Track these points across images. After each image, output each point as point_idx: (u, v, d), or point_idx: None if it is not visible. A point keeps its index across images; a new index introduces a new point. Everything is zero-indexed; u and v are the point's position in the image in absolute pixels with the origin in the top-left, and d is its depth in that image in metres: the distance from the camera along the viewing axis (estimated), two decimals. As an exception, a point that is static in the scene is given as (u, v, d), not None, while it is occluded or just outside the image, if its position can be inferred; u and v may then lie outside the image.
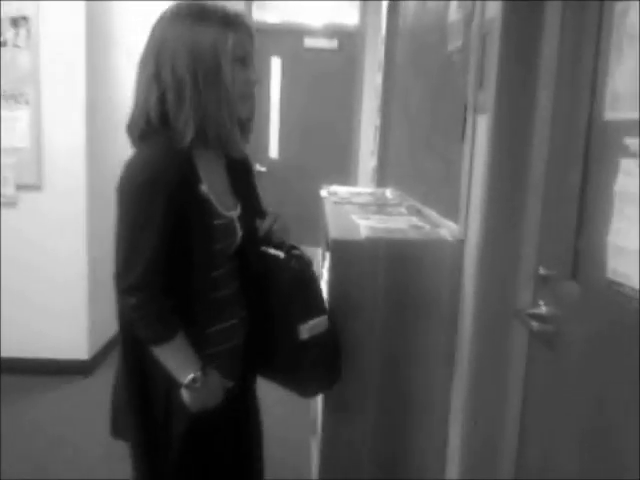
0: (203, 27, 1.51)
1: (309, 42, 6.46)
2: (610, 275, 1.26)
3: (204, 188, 1.54)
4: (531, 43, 1.66)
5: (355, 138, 6.27)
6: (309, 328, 1.67)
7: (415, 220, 2.33)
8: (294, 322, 1.67)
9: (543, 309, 1.59)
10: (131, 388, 1.62)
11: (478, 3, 1.88)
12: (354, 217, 2.30)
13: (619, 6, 1.31)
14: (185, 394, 1.55)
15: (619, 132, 1.27)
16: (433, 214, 2.36)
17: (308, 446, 2.99)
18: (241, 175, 1.73)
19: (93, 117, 4.00)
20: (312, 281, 1.74)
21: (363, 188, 4.00)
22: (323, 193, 3.15)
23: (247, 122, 1.65)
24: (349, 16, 6.63)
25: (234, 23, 1.54)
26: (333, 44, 6.63)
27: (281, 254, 1.71)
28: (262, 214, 1.78)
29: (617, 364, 1.27)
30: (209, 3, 1.58)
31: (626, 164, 1.24)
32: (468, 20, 1.99)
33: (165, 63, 1.51)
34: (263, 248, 1.74)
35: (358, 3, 6.74)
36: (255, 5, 6.74)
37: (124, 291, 1.51)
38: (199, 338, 1.58)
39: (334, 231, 2.03)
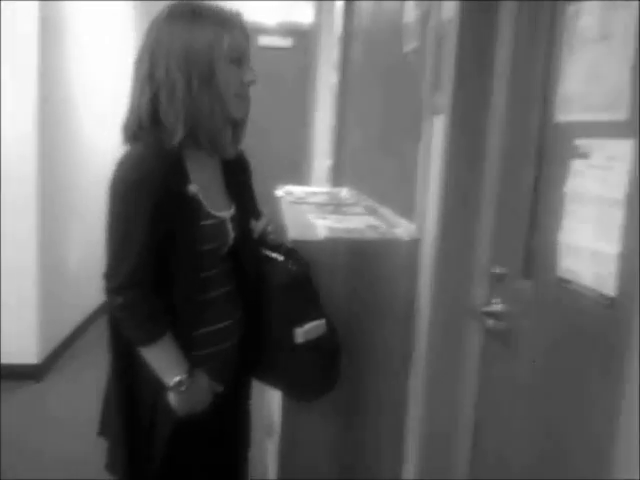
0: (198, 27, 1.50)
1: (263, 41, 6.44)
2: (561, 273, 1.30)
3: (192, 188, 1.53)
4: (486, 45, 1.70)
5: (309, 138, 6.27)
6: (305, 332, 1.65)
7: (372, 220, 2.35)
8: (290, 325, 1.65)
9: (497, 307, 1.62)
10: (118, 387, 1.61)
11: (434, 4, 1.91)
12: (311, 217, 2.30)
13: (571, 8, 1.34)
14: (171, 397, 1.54)
15: (570, 134, 1.30)
16: (389, 213, 2.38)
17: (263, 447, 2.98)
18: (237, 175, 1.72)
19: (45, 107, 3.89)
20: (309, 284, 1.72)
21: (319, 188, 4.00)
22: (279, 193, 3.14)
23: (241, 123, 1.65)
24: (303, 15, 6.64)
25: (229, 23, 1.53)
26: (287, 43, 6.63)
27: (279, 256, 1.69)
28: (257, 215, 1.76)
29: (568, 358, 1.30)
30: (204, 3, 1.57)
31: (576, 165, 1.28)
32: (424, 21, 2.01)
33: (159, 63, 1.50)
34: (261, 250, 1.72)
35: (312, 2, 6.75)
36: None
37: (113, 290, 1.51)
38: (188, 339, 1.57)
39: (293, 231, 2.04)
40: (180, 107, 1.50)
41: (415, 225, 1.99)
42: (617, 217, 1.12)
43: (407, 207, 2.10)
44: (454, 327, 1.79)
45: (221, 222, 1.60)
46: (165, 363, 1.54)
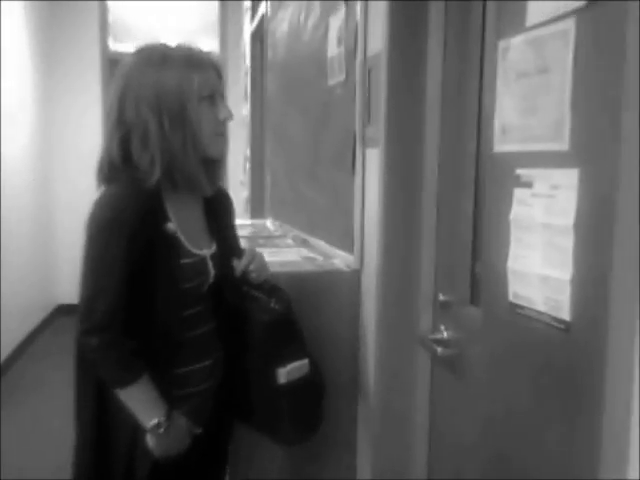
0: (167, 69, 1.50)
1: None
2: (512, 299, 1.33)
3: (171, 226, 1.52)
4: (417, 77, 1.74)
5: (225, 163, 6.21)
6: (287, 372, 1.62)
7: (305, 252, 2.35)
8: (272, 365, 1.62)
9: (445, 334, 1.65)
10: (90, 431, 1.57)
11: (360, 38, 1.95)
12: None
13: (501, 44, 1.40)
14: (149, 439, 1.51)
15: (510, 163, 1.35)
16: (322, 244, 2.39)
17: None
18: (219, 213, 1.72)
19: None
20: (293, 323, 1.70)
21: (240, 220, 3.98)
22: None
23: (218, 160, 1.64)
24: (209, 46, 6.63)
25: (199, 63, 1.54)
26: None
27: (261, 294, 1.66)
28: (239, 253, 1.74)
29: (522, 382, 1.33)
30: (172, 45, 1.57)
31: (519, 193, 1.32)
32: (350, 55, 2.05)
33: (129, 106, 1.50)
34: (244, 288, 1.68)
35: (218, 33, 6.77)
36: (111, 36, 6.59)
37: (86, 332, 1.48)
38: (168, 379, 1.54)
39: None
40: (154, 149, 1.50)
41: (354, 256, 2.01)
42: (566, 243, 1.17)
43: (344, 238, 2.12)
44: (402, 355, 1.80)
45: (201, 260, 1.59)
46: (142, 405, 1.51)
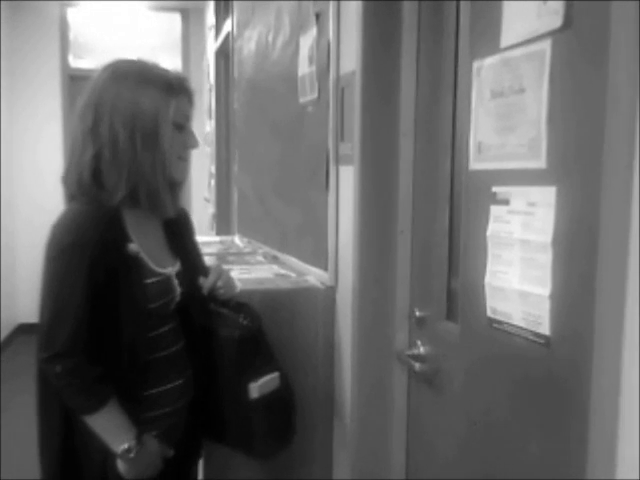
0: (145, 89, 1.49)
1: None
2: (490, 314, 1.35)
3: (133, 247, 1.50)
4: (390, 95, 1.76)
5: (185, 185, 6.18)
6: (259, 386, 1.61)
7: (277, 268, 2.35)
8: (244, 380, 1.62)
9: (422, 349, 1.66)
10: (58, 457, 1.53)
11: (333, 57, 1.97)
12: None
13: (476, 64, 1.43)
14: (120, 463, 1.48)
15: (486, 181, 1.37)
16: (294, 261, 2.39)
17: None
18: (180, 231, 1.71)
19: None
20: (262, 337, 1.70)
21: (208, 237, 3.96)
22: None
23: (179, 184, 1.64)
24: (171, 62, 6.60)
25: (176, 89, 1.53)
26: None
27: (229, 311, 1.66)
28: (204, 270, 1.72)
29: (502, 397, 1.35)
30: (149, 64, 1.56)
31: (496, 211, 1.34)
32: (322, 73, 2.06)
33: (103, 118, 1.48)
34: (211, 305, 1.67)
35: (180, 50, 6.76)
36: (71, 53, 6.52)
37: (49, 359, 1.44)
38: (138, 401, 1.52)
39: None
40: (123, 165, 1.48)
41: (328, 273, 2.01)
42: (545, 260, 1.19)
43: (317, 255, 2.12)
44: (379, 372, 1.81)
45: (166, 279, 1.58)
46: (111, 430, 1.48)
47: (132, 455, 1.47)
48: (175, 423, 1.63)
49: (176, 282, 1.60)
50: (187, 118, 1.57)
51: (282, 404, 1.72)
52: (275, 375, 1.67)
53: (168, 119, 1.50)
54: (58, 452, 1.54)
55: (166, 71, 1.56)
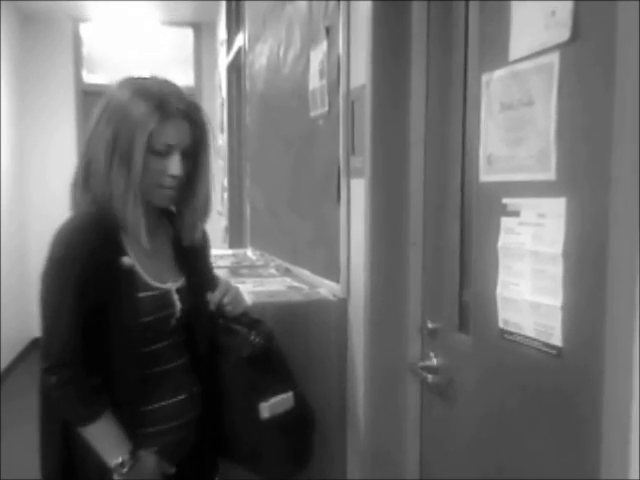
0: (131, 111, 1.45)
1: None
2: (501, 325, 1.36)
3: (127, 260, 1.49)
4: (401, 108, 1.77)
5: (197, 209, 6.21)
6: (270, 406, 1.58)
7: (290, 281, 2.36)
8: (254, 399, 1.58)
9: (434, 361, 1.67)
10: (58, 468, 1.54)
11: (343, 71, 1.98)
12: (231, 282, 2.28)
13: (484, 77, 1.44)
14: (116, 478, 1.48)
15: (496, 193, 1.38)
16: (306, 274, 2.40)
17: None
18: (192, 246, 1.67)
19: None
20: (275, 356, 1.66)
21: (221, 250, 3.97)
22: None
23: (184, 210, 1.62)
24: (184, 77, 6.66)
25: (167, 111, 1.47)
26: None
27: (242, 328, 1.62)
28: (214, 286, 1.68)
29: (514, 408, 1.35)
30: (153, 83, 1.52)
31: (506, 222, 1.35)
32: (333, 87, 2.08)
33: (93, 138, 1.50)
34: (220, 321, 1.64)
35: (193, 65, 6.82)
36: (85, 68, 6.60)
37: (45, 370, 1.46)
38: (134, 417, 1.51)
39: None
40: (95, 187, 1.49)
41: (340, 285, 2.02)
42: (556, 271, 1.19)
43: (329, 267, 2.13)
44: (391, 383, 1.81)
45: (164, 293, 1.56)
46: (105, 443, 1.48)
47: (125, 470, 1.46)
48: (178, 439, 1.60)
49: (176, 297, 1.58)
50: (173, 144, 1.49)
51: (298, 425, 1.67)
52: (289, 395, 1.63)
53: (142, 145, 1.45)
54: (58, 465, 1.54)
55: (164, 93, 1.49)
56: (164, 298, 1.56)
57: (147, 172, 1.47)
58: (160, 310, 1.55)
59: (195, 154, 1.56)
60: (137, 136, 1.44)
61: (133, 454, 1.48)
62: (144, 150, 1.45)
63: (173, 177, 1.51)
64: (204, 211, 1.63)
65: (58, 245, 1.47)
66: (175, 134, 1.49)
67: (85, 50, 6.64)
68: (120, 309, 1.47)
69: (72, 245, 1.45)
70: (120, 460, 1.46)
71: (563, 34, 1.15)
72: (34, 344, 6.21)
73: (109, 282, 1.46)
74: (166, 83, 1.54)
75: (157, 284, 1.55)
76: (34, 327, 6.23)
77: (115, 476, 1.47)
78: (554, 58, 1.19)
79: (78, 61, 6.60)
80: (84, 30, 6.60)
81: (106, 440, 1.48)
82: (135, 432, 1.50)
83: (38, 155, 6.46)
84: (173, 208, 1.65)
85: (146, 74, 1.57)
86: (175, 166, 1.50)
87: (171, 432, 1.58)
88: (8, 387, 5.28)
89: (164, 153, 1.49)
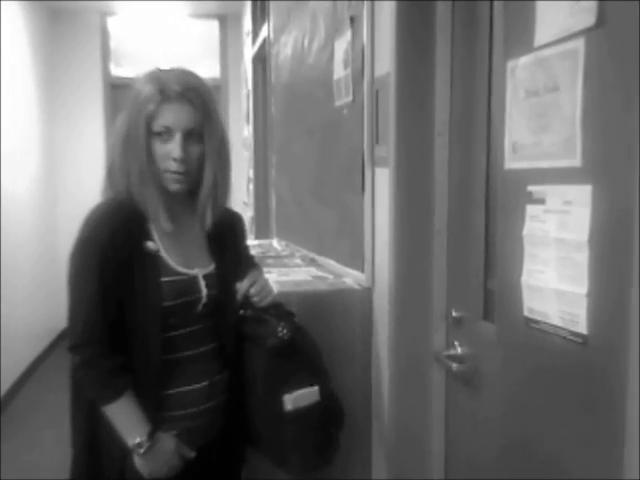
0: (142, 88, 1.51)
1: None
2: (526, 313, 1.35)
3: (151, 245, 1.53)
4: (425, 96, 1.77)
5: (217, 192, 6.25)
6: (294, 399, 1.58)
7: (315, 271, 2.37)
8: (278, 391, 1.59)
9: (459, 350, 1.67)
10: (84, 447, 1.58)
11: (367, 60, 1.98)
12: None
13: (510, 64, 1.43)
14: (135, 458, 1.51)
15: (521, 180, 1.37)
16: (331, 263, 2.41)
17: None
18: (225, 234, 1.68)
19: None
20: (301, 349, 1.65)
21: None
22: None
23: (196, 196, 1.60)
24: (210, 69, 6.69)
25: (165, 95, 1.49)
26: (196, 97, 6.64)
27: (270, 318, 1.62)
28: (245, 275, 1.67)
29: (540, 396, 1.34)
30: (164, 71, 1.55)
31: (532, 210, 1.34)
32: (357, 76, 2.08)
33: (120, 115, 1.57)
34: (248, 311, 1.64)
35: (219, 57, 6.84)
36: (112, 61, 6.66)
37: (70, 349, 1.52)
38: (155, 400, 1.54)
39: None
40: (116, 175, 1.55)
41: (365, 274, 2.02)
42: (581, 258, 1.18)
43: (354, 257, 2.13)
44: (416, 372, 1.81)
45: (189, 279, 1.58)
46: (125, 423, 1.52)
47: (142, 450, 1.49)
48: (198, 425, 1.61)
49: (203, 284, 1.59)
50: (171, 127, 1.50)
51: (322, 420, 1.66)
52: (314, 389, 1.62)
53: (141, 128, 1.49)
54: (84, 443, 1.58)
55: (166, 78, 1.51)
56: (189, 284, 1.57)
57: (156, 157, 1.52)
58: (184, 295, 1.56)
59: (203, 138, 1.56)
60: (139, 119, 1.50)
61: (152, 435, 1.51)
62: (145, 133, 1.49)
63: (175, 160, 1.51)
64: (210, 197, 1.59)
65: (83, 228, 1.52)
66: (173, 116, 1.50)
67: (112, 44, 6.69)
68: (143, 293, 1.51)
69: (96, 228, 1.50)
70: (138, 440, 1.49)
71: (588, 20, 1.14)
72: (64, 335, 6.30)
73: (133, 265, 1.50)
74: (174, 69, 1.57)
75: (182, 269, 1.57)
76: (63, 318, 6.32)
77: (134, 456, 1.51)
78: (579, 44, 1.17)
79: (106, 55, 6.66)
80: (111, 24, 6.65)
81: (126, 420, 1.51)
82: (154, 415, 1.53)
83: (67, 146, 6.54)
84: None
85: (170, 66, 1.59)
86: (175, 149, 1.50)
87: (191, 417, 1.59)
88: (40, 376, 5.37)
89: (165, 136, 1.51)
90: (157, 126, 1.50)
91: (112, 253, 1.48)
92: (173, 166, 1.52)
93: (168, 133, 1.50)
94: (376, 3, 1.93)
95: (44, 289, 5.94)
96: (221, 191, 1.62)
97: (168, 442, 1.55)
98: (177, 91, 1.49)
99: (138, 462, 1.51)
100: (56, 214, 6.41)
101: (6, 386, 4.74)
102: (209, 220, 1.62)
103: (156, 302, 1.51)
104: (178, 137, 1.50)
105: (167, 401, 1.56)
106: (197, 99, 1.52)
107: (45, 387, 5.10)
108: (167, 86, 1.49)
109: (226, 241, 1.70)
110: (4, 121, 4.87)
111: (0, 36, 4.85)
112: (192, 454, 1.60)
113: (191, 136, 1.52)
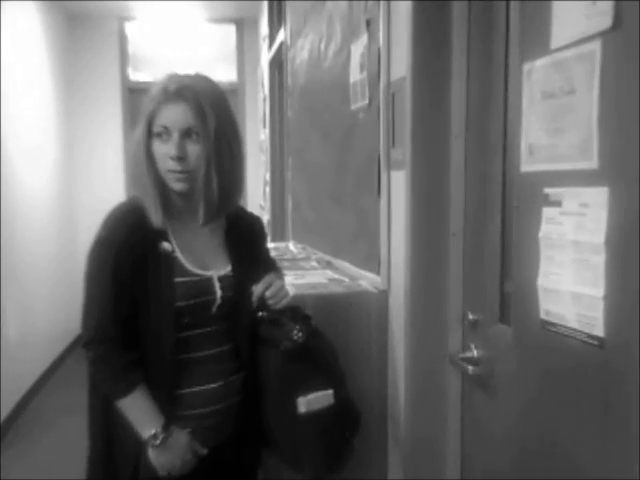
0: (150, 90, 1.55)
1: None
2: (543, 316, 1.35)
3: (166, 245, 1.55)
4: (441, 100, 1.77)
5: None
6: (308, 401, 1.57)
7: (331, 273, 2.38)
8: (292, 393, 1.58)
9: (475, 352, 1.66)
10: (97, 441, 1.62)
11: (383, 63, 1.99)
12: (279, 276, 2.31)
13: (526, 66, 1.43)
14: (149, 451, 1.53)
15: (538, 183, 1.37)
16: (347, 266, 2.42)
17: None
18: (244, 236, 1.71)
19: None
20: (316, 352, 1.64)
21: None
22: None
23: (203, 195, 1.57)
24: (227, 73, 6.73)
25: (165, 94, 1.51)
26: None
27: (286, 321, 1.62)
28: (260, 278, 1.67)
29: (556, 399, 1.34)
30: (188, 74, 1.59)
31: (548, 212, 1.34)
32: (373, 80, 2.09)
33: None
34: (263, 313, 1.64)
35: (236, 61, 6.87)
36: (130, 66, 6.72)
37: (84, 345, 1.56)
38: (168, 399, 1.56)
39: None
40: (130, 169, 1.61)
41: (381, 277, 2.03)
42: (598, 261, 1.18)
43: (369, 259, 2.14)
44: (432, 375, 1.81)
45: (203, 280, 1.59)
46: (139, 416, 1.54)
47: (158, 442, 1.51)
48: (211, 425, 1.62)
49: (218, 285, 1.60)
50: (170, 127, 1.51)
51: (337, 423, 1.64)
52: (328, 392, 1.61)
53: (142, 129, 1.53)
54: (100, 437, 1.61)
55: (170, 80, 1.53)
56: (203, 284, 1.59)
57: (157, 157, 1.54)
58: (197, 296, 1.57)
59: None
60: (142, 121, 1.54)
61: (166, 427, 1.53)
62: (145, 133, 1.53)
63: (173, 159, 1.52)
64: (202, 194, 1.56)
65: (101, 229, 1.55)
66: (170, 115, 1.51)
67: (130, 48, 6.75)
68: (157, 292, 1.53)
69: (112, 228, 1.54)
70: (153, 432, 1.51)
71: (605, 22, 1.14)
72: (80, 338, 6.33)
73: (147, 265, 1.52)
74: (180, 73, 1.59)
75: (197, 270, 1.58)
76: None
77: (149, 449, 1.53)
78: (596, 46, 1.17)
79: (124, 59, 6.72)
80: (129, 29, 6.71)
81: (140, 413, 1.54)
82: (168, 412, 1.55)
83: (86, 150, 6.61)
84: None
85: (185, 70, 1.61)
86: (172, 148, 1.52)
87: (203, 417, 1.60)
88: (57, 380, 5.41)
89: (164, 136, 1.52)
90: (156, 126, 1.53)
91: (127, 254, 1.51)
92: (172, 165, 1.54)
93: (167, 133, 1.52)
94: (392, 7, 1.94)
95: (63, 282, 5.98)
96: (223, 190, 1.58)
97: (182, 436, 1.57)
98: (173, 91, 1.51)
99: (152, 455, 1.53)
100: (74, 218, 6.46)
101: (26, 387, 4.79)
102: (201, 217, 1.59)
103: (169, 302, 1.53)
104: (175, 136, 1.52)
105: (180, 400, 1.57)
106: (192, 98, 1.52)
107: (64, 388, 5.14)
108: (166, 87, 1.52)
109: (245, 244, 1.71)
110: (25, 122, 4.94)
111: (20, 41, 4.91)
112: (204, 451, 1.61)
113: (189, 135, 1.52)
